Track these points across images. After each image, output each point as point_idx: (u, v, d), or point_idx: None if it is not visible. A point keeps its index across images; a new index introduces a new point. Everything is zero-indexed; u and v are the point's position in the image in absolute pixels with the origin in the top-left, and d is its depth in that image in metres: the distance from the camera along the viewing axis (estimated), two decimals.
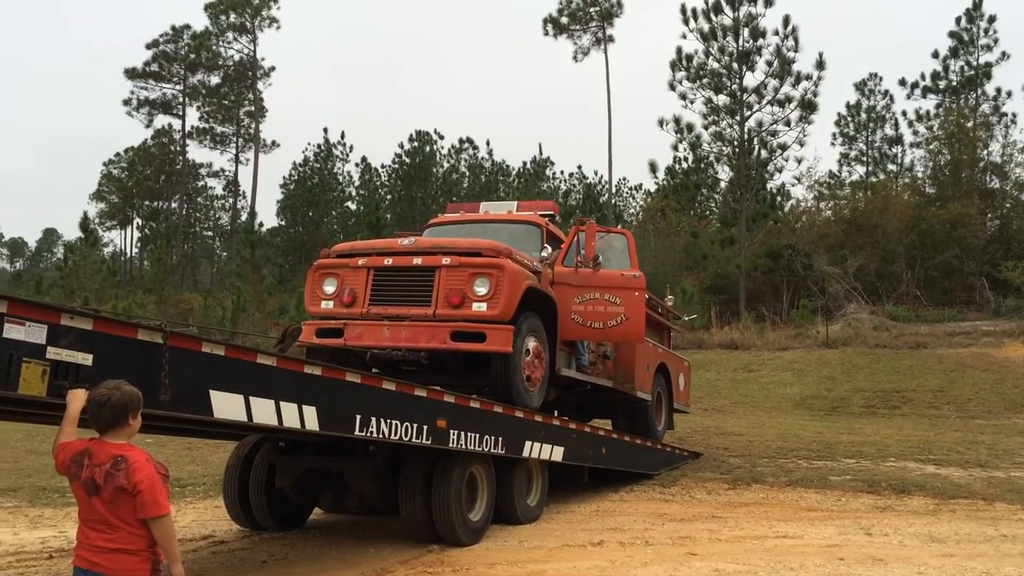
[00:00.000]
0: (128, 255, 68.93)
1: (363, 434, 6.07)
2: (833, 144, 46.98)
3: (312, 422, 5.62)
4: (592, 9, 42.79)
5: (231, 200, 63.89)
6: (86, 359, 4.16)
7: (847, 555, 7.04)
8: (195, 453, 12.44)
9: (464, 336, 7.86)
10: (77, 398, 3.80)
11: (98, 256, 39.92)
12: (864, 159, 46.65)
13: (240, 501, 8.04)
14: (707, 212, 43.62)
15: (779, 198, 36.77)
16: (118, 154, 65.77)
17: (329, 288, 8.37)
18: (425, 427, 6.69)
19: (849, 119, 46.50)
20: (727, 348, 25.42)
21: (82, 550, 3.58)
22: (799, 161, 35.85)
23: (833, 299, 30.23)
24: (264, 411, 5.24)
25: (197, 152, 79.52)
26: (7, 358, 3.83)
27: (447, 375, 8.54)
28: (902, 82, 42.69)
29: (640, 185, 60.25)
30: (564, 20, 43.09)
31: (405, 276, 8.18)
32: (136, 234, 68.31)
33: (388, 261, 8.26)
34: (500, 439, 7.64)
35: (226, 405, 4.95)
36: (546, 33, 43.54)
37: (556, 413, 9.89)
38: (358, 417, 6.03)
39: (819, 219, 39.23)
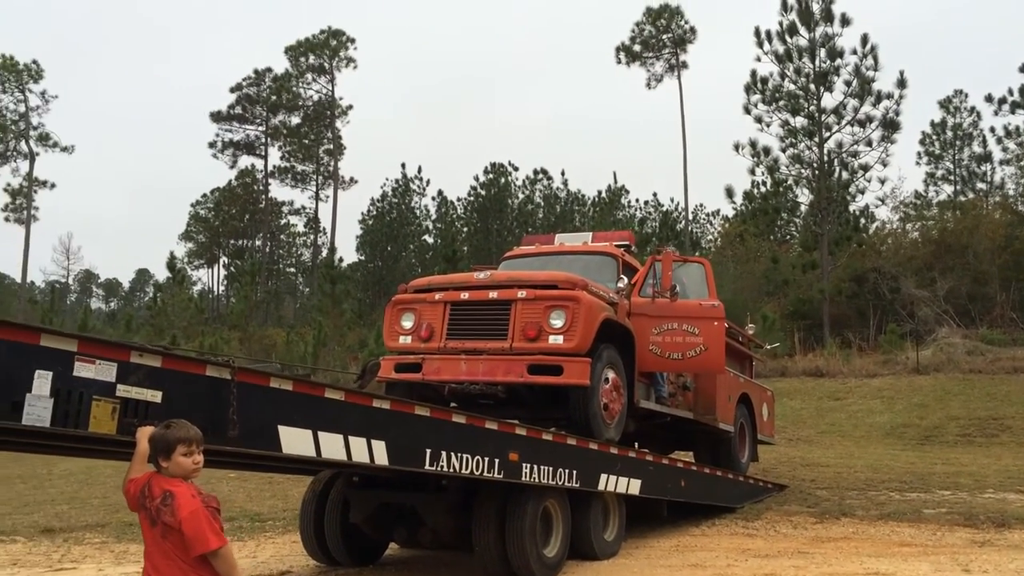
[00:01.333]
0: (215, 293, 70.93)
1: (433, 468, 6.01)
2: (918, 163, 45.75)
3: (381, 457, 5.58)
4: (665, 36, 42.71)
5: (312, 236, 65.37)
6: (155, 396, 4.20)
7: None
8: (276, 487, 12.56)
9: (541, 369, 7.83)
10: (146, 436, 3.83)
11: (186, 294, 41.16)
12: (952, 178, 45.26)
13: (316, 536, 8.03)
14: (787, 236, 42.75)
15: (863, 220, 35.73)
16: (205, 195, 68.15)
17: (407, 323, 8.45)
18: (497, 460, 6.59)
19: (934, 137, 45.23)
20: (812, 376, 24.69)
21: None
22: (882, 182, 34.68)
23: (923, 323, 29.16)
24: (333, 446, 5.22)
25: (279, 191, 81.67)
26: (78, 396, 3.89)
27: (525, 409, 8.51)
28: (988, 98, 41.25)
29: (717, 211, 59.40)
30: (637, 48, 43.17)
31: (481, 310, 8.21)
32: (222, 272, 70.34)
33: (464, 295, 8.32)
34: (574, 472, 7.49)
35: (295, 440, 4.95)
36: (619, 61, 43.69)
37: (636, 446, 9.70)
38: (428, 451, 5.97)
39: (906, 241, 38.08)
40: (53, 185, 52.66)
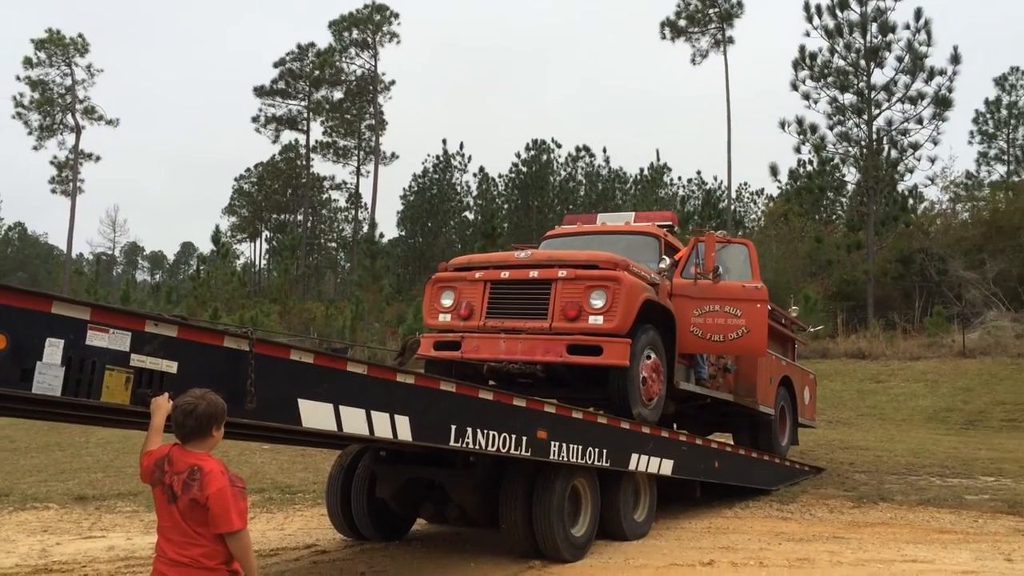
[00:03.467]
0: (257, 266, 71.66)
1: (458, 445, 5.92)
2: (971, 143, 44.64)
3: (405, 432, 5.50)
4: (711, 11, 41.89)
5: (353, 212, 65.65)
6: (171, 367, 4.14)
7: None
8: (308, 460, 12.61)
9: (580, 349, 7.81)
10: (161, 408, 3.77)
11: (230, 268, 41.60)
12: (1005, 158, 44.07)
13: (342, 511, 8.02)
14: (832, 216, 41.97)
15: (911, 200, 34.95)
16: (248, 170, 68.80)
17: (447, 301, 8.48)
18: (524, 438, 6.49)
19: (988, 116, 44.04)
20: (854, 357, 24.25)
21: (159, 563, 3.52)
22: (932, 161, 33.82)
23: (970, 306, 28.46)
24: (355, 421, 5.14)
25: (321, 166, 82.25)
26: (90, 365, 3.83)
27: (564, 388, 8.53)
28: None
29: (762, 190, 58.55)
30: (682, 23, 42.36)
31: (521, 289, 8.20)
32: (265, 246, 71.02)
33: (505, 274, 8.32)
34: (604, 451, 7.37)
35: (315, 414, 4.87)
36: (663, 37, 42.93)
37: (675, 427, 9.60)
38: (453, 427, 5.88)
39: (955, 221, 37.14)
40: (99, 158, 53.35)
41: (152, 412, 3.78)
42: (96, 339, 3.84)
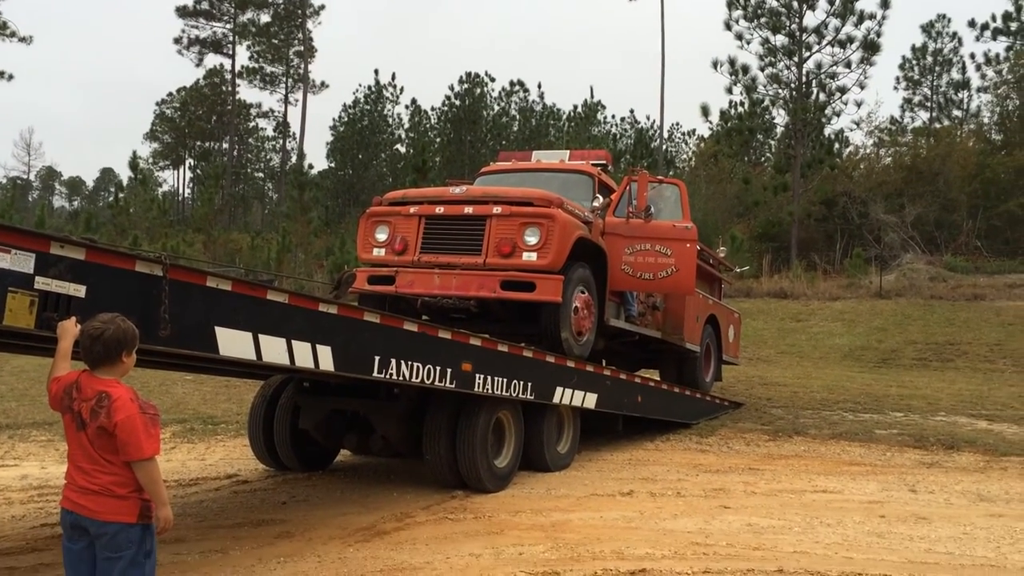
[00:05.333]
0: (182, 195, 69.71)
1: (382, 376, 5.87)
2: (896, 89, 45.21)
3: (327, 362, 5.42)
4: None
5: (281, 141, 63.99)
6: (78, 291, 3.96)
7: (888, 512, 6.73)
8: (231, 391, 12.46)
9: (514, 285, 7.88)
10: (68, 332, 3.61)
11: (151, 195, 40.31)
12: (928, 104, 44.89)
13: (265, 441, 7.97)
14: (761, 158, 42.51)
15: (837, 144, 35.52)
16: (170, 94, 66.29)
17: (381, 236, 8.47)
18: (449, 370, 6.48)
19: (914, 62, 44.65)
20: (776, 297, 24.82)
21: (69, 491, 3.42)
22: (859, 105, 34.47)
23: (889, 249, 29.30)
24: (275, 350, 5.03)
25: (247, 92, 79.91)
26: None
27: (497, 324, 8.59)
28: (971, 23, 40.65)
29: (693, 130, 58.95)
30: None
31: (456, 225, 8.21)
32: (189, 174, 69.03)
33: (439, 210, 8.31)
34: (529, 384, 7.43)
35: (233, 343, 4.75)
36: None
37: (604, 363, 9.74)
38: (377, 359, 5.82)
39: (878, 166, 37.96)
40: (11, 77, 50.75)
41: (59, 337, 3.62)
42: None
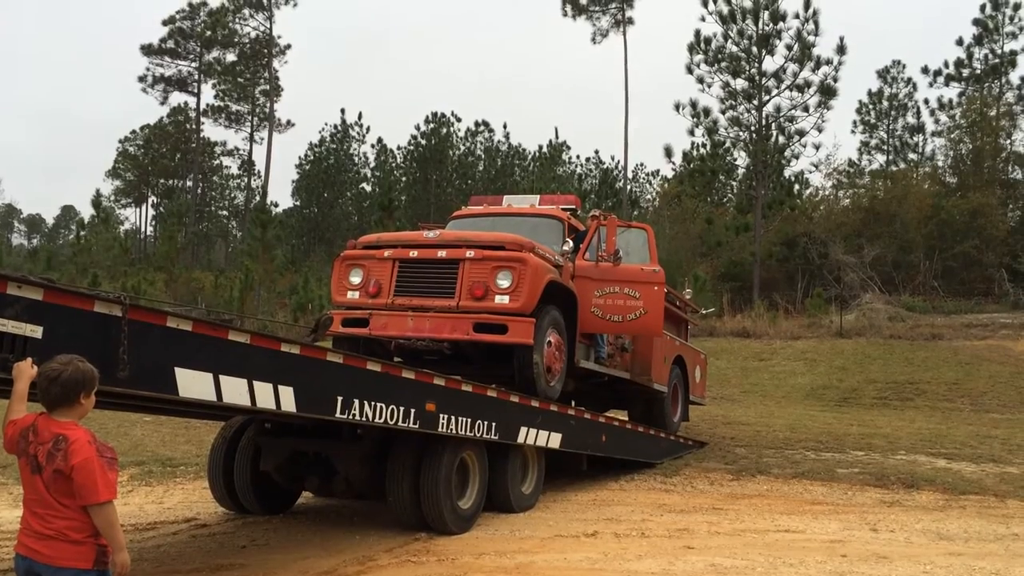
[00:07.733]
0: (144, 233, 69.01)
1: (345, 416, 5.83)
2: (853, 132, 46.23)
3: (289, 403, 5.37)
4: None
5: (246, 179, 63.73)
6: (35, 331, 3.91)
7: (850, 552, 6.77)
8: (191, 433, 12.26)
9: (486, 328, 8.02)
10: (24, 374, 3.55)
11: (112, 233, 39.94)
12: (884, 148, 45.91)
13: (225, 483, 7.84)
14: (724, 199, 43.11)
15: (796, 185, 36.20)
16: (134, 131, 65.84)
17: (355, 279, 8.59)
18: (413, 410, 6.44)
19: (870, 107, 45.72)
20: (739, 336, 25.05)
21: (23, 535, 3.36)
22: (817, 148, 35.17)
23: (848, 289, 29.78)
24: (236, 391, 4.98)
25: (212, 131, 79.65)
26: None
27: (470, 366, 8.71)
28: (925, 70, 41.98)
29: (657, 171, 59.54)
30: (583, 1, 42.51)
31: (430, 268, 8.35)
32: (151, 212, 68.40)
33: (413, 253, 8.46)
34: (493, 424, 7.40)
35: (193, 384, 4.70)
36: (564, 14, 42.99)
37: (573, 403, 9.82)
38: (339, 399, 5.78)
39: (837, 207, 38.69)
40: None
41: (15, 378, 3.56)
42: None
